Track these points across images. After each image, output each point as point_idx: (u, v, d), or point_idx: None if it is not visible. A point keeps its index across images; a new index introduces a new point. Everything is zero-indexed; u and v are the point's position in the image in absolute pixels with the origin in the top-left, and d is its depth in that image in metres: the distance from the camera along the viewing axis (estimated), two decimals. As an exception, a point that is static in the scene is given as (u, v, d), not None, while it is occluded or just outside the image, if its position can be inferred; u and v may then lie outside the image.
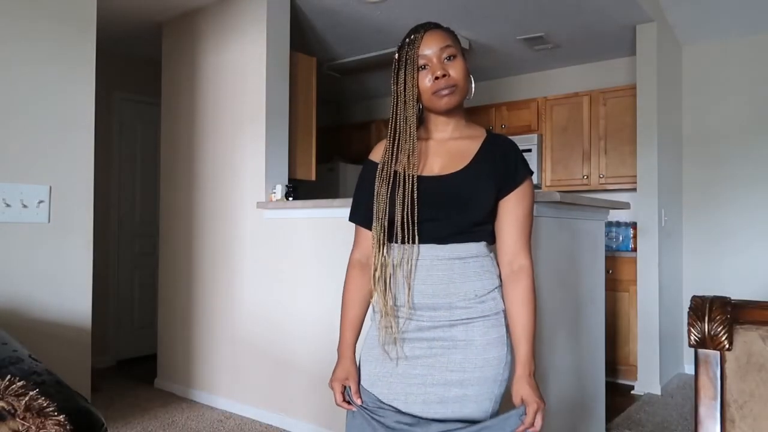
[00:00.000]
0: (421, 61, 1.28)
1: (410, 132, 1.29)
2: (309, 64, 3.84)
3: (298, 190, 3.34)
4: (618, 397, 3.69)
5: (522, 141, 4.65)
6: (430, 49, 1.28)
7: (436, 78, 1.27)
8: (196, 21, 3.75)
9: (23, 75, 2.35)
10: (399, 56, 1.32)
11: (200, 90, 3.71)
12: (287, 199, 3.21)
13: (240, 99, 3.45)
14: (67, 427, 1.12)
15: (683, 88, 4.45)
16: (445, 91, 1.27)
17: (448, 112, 1.33)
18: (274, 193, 3.23)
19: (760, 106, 4.12)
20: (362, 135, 5.73)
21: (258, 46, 3.35)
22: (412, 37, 1.30)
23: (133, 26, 4.04)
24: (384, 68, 4.85)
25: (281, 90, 3.40)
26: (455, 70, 1.28)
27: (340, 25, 3.95)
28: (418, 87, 1.29)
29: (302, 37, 4.12)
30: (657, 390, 3.78)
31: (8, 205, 2.29)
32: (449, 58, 1.28)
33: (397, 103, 1.32)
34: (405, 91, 1.29)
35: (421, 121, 1.38)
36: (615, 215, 4.39)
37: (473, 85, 1.36)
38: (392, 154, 1.30)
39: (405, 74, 1.29)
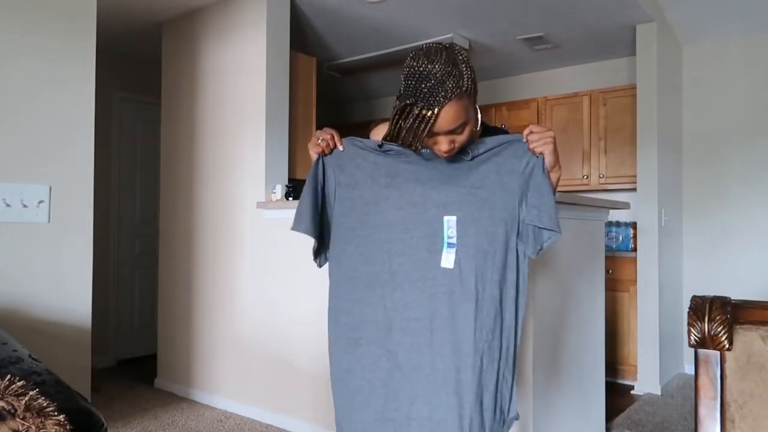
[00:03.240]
0: (430, 139, 1.21)
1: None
2: (309, 64, 3.84)
3: (298, 190, 3.34)
4: (618, 397, 3.69)
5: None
6: (441, 129, 1.18)
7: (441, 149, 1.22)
8: (196, 21, 3.75)
9: (23, 75, 2.35)
10: (405, 117, 1.15)
11: (200, 90, 3.71)
12: (287, 199, 3.21)
13: (240, 99, 3.45)
14: (67, 427, 1.12)
15: (683, 88, 4.45)
16: (447, 155, 1.24)
17: None
18: (274, 193, 3.23)
19: (760, 106, 4.13)
20: (362, 135, 5.70)
21: (258, 46, 3.35)
22: (426, 113, 1.14)
23: (133, 26, 4.04)
24: (384, 68, 4.85)
25: (281, 90, 3.40)
26: (462, 137, 1.22)
27: (340, 25, 3.95)
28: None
29: (302, 37, 4.12)
30: (657, 390, 3.78)
31: (8, 205, 2.29)
32: (460, 131, 1.20)
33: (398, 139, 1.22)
34: (405, 142, 1.19)
35: None
36: (615, 215, 4.40)
37: (479, 115, 1.32)
38: None
39: (412, 135, 1.16)
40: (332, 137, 1.33)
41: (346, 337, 1.30)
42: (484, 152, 1.26)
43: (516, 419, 1.27)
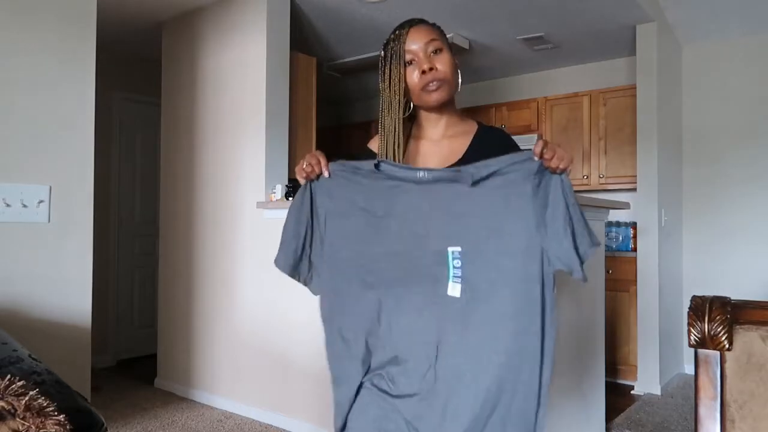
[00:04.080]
0: (408, 57, 1.27)
1: (397, 134, 1.28)
2: (309, 64, 3.84)
3: (297, 189, 3.34)
4: (618, 397, 3.69)
5: (522, 141, 4.63)
6: (415, 43, 1.27)
7: (423, 72, 1.25)
8: (196, 21, 3.75)
9: (23, 75, 2.35)
10: (385, 53, 1.31)
11: (200, 90, 3.71)
12: (287, 199, 3.21)
13: (240, 99, 3.45)
14: (67, 427, 1.12)
15: (683, 88, 4.45)
16: (434, 86, 1.26)
17: (439, 108, 1.32)
18: (274, 193, 3.23)
19: (760, 106, 4.12)
20: (363, 135, 5.73)
21: (258, 46, 3.35)
22: (397, 32, 1.29)
23: (133, 26, 4.04)
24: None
25: (281, 90, 3.40)
26: (442, 64, 1.27)
27: (340, 25, 3.95)
28: (406, 83, 1.28)
29: (302, 37, 4.12)
30: (657, 390, 3.78)
31: (8, 205, 2.29)
32: (436, 51, 1.27)
33: (384, 101, 1.31)
34: (392, 87, 1.28)
35: (414, 119, 1.37)
36: (615, 215, 4.39)
37: (460, 79, 1.34)
38: (385, 156, 1.29)
39: (391, 70, 1.28)
40: (318, 162, 1.25)
41: (352, 369, 1.23)
42: (488, 176, 1.15)
43: None
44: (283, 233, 1.27)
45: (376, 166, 1.21)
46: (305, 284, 1.29)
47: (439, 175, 1.18)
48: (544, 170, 1.13)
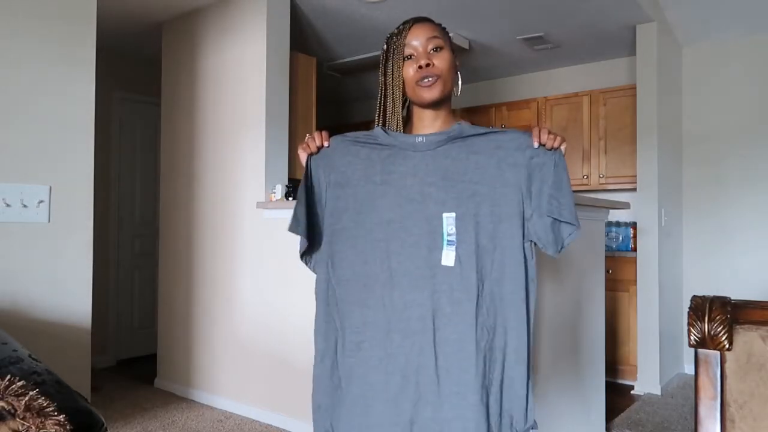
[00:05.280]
0: (408, 51, 1.27)
1: (397, 126, 1.30)
2: (309, 64, 3.84)
3: (297, 190, 3.34)
4: (618, 397, 3.69)
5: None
6: (416, 39, 1.27)
7: (420, 67, 1.25)
8: (196, 21, 3.75)
9: (23, 75, 2.35)
10: (387, 47, 1.32)
11: (200, 90, 3.71)
12: (287, 199, 3.21)
13: (240, 99, 3.45)
14: (67, 427, 1.12)
15: (683, 88, 4.45)
16: (428, 81, 1.25)
17: (434, 107, 1.31)
18: (274, 193, 3.23)
19: (760, 106, 4.12)
20: (362, 135, 5.73)
21: (258, 46, 3.35)
22: (401, 27, 1.30)
23: (133, 26, 4.04)
24: (384, 68, 4.85)
25: (281, 90, 3.40)
26: (440, 61, 1.26)
27: (340, 25, 3.95)
28: (403, 77, 1.28)
29: (302, 37, 4.12)
30: (657, 390, 3.78)
31: (8, 205, 2.29)
32: (436, 49, 1.28)
33: (384, 95, 1.32)
34: (392, 81, 1.29)
35: (408, 120, 1.36)
36: (615, 215, 4.40)
37: (460, 82, 1.34)
38: None
39: (392, 64, 1.29)
40: (319, 135, 1.31)
41: (348, 341, 1.24)
42: (482, 134, 1.23)
43: (533, 429, 1.19)
44: (296, 206, 1.31)
45: (375, 134, 1.27)
46: (305, 258, 1.32)
47: (437, 138, 1.24)
48: (539, 145, 1.20)
